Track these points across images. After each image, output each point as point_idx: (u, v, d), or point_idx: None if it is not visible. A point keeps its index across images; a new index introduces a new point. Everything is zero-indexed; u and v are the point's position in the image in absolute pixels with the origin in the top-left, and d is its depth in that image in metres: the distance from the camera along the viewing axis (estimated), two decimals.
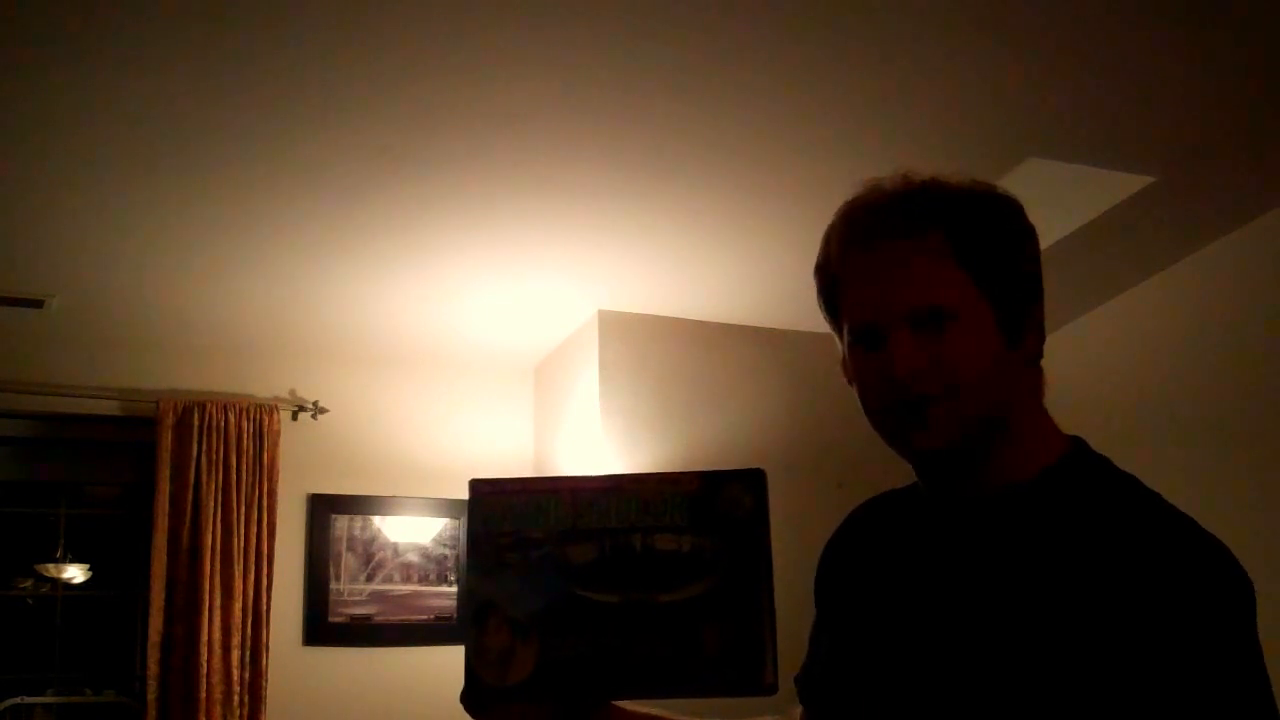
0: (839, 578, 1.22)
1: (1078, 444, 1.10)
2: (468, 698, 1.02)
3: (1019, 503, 1.05)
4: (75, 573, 4.91)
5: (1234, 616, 0.94)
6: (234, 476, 3.89)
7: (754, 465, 1.04)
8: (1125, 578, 0.94)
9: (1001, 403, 1.06)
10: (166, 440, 3.86)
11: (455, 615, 4.18)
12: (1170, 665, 0.91)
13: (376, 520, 4.17)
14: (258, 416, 3.98)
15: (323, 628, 4.05)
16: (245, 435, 3.93)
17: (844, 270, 1.09)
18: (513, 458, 4.33)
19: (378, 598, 4.13)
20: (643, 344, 3.91)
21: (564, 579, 1.02)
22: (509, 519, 1.05)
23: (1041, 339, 1.10)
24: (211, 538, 3.81)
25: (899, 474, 1.18)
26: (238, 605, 3.80)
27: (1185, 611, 0.92)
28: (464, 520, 4.27)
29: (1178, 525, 0.98)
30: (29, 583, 4.86)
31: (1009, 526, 1.05)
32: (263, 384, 4.14)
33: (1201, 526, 0.98)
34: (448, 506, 4.25)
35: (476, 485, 1.07)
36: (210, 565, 3.79)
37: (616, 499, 1.04)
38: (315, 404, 4.16)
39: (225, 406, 3.94)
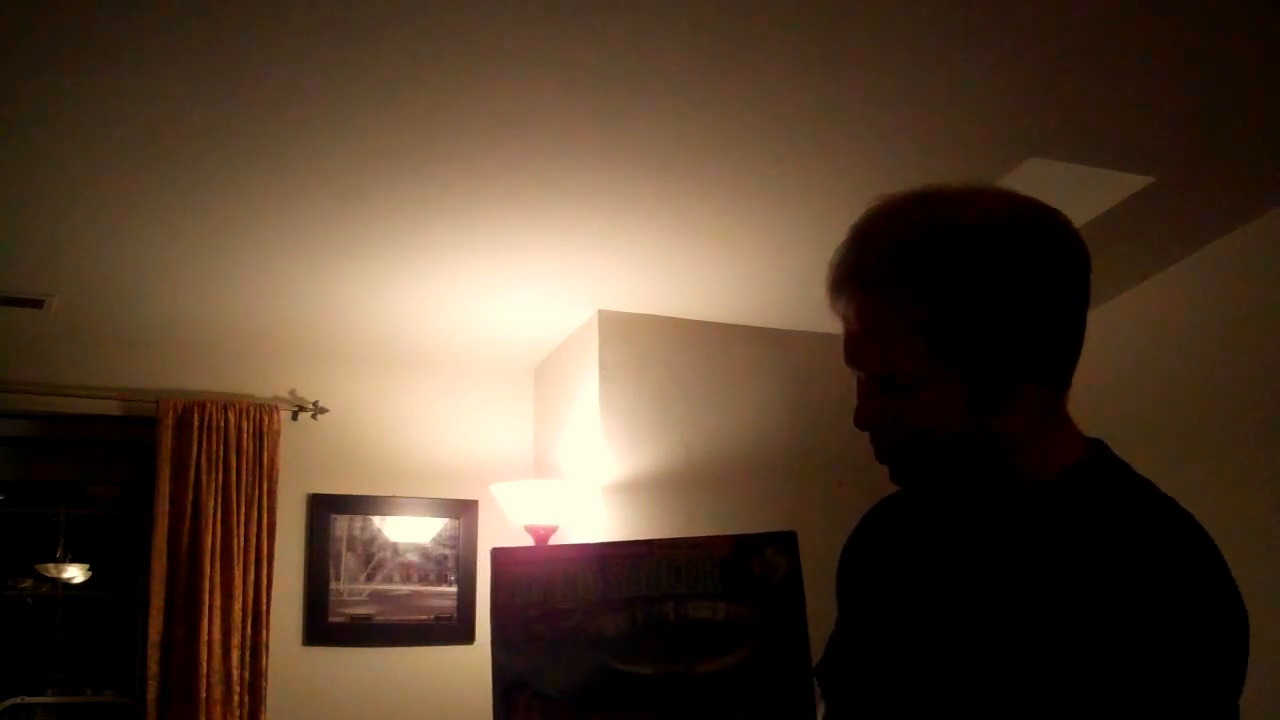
0: (863, 574, 1.22)
1: (1097, 448, 1.09)
2: None
3: (1033, 507, 1.05)
4: (75, 573, 4.92)
5: (1217, 648, 0.94)
6: (234, 476, 3.89)
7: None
8: (1119, 587, 0.95)
9: (972, 456, 1.04)
10: (166, 440, 3.86)
11: (455, 615, 4.18)
12: (1145, 685, 0.92)
13: (376, 520, 4.17)
14: (258, 416, 3.98)
15: (323, 628, 4.05)
16: (245, 435, 3.93)
17: (832, 309, 1.07)
18: (513, 458, 4.33)
19: (378, 598, 4.13)
20: (643, 344, 3.91)
21: (596, 651, 0.98)
22: (535, 590, 1.00)
23: (1040, 390, 1.02)
24: (211, 538, 3.81)
25: None
26: (238, 605, 3.80)
27: (1170, 634, 0.92)
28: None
29: (1178, 544, 0.98)
30: (29, 583, 4.86)
31: (1023, 529, 1.05)
32: (263, 384, 4.14)
33: (1211, 546, 0.98)
34: (448, 506, 4.25)
35: (499, 555, 1.03)
36: (210, 565, 3.79)
37: (646, 566, 1.00)
38: (315, 404, 4.16)
39: (225, 406, 3.94)
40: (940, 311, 0.98)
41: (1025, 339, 0.99)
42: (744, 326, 4.00)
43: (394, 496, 4.20)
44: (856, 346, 1.03)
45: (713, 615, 0.99)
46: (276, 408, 4.04)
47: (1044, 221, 1.02)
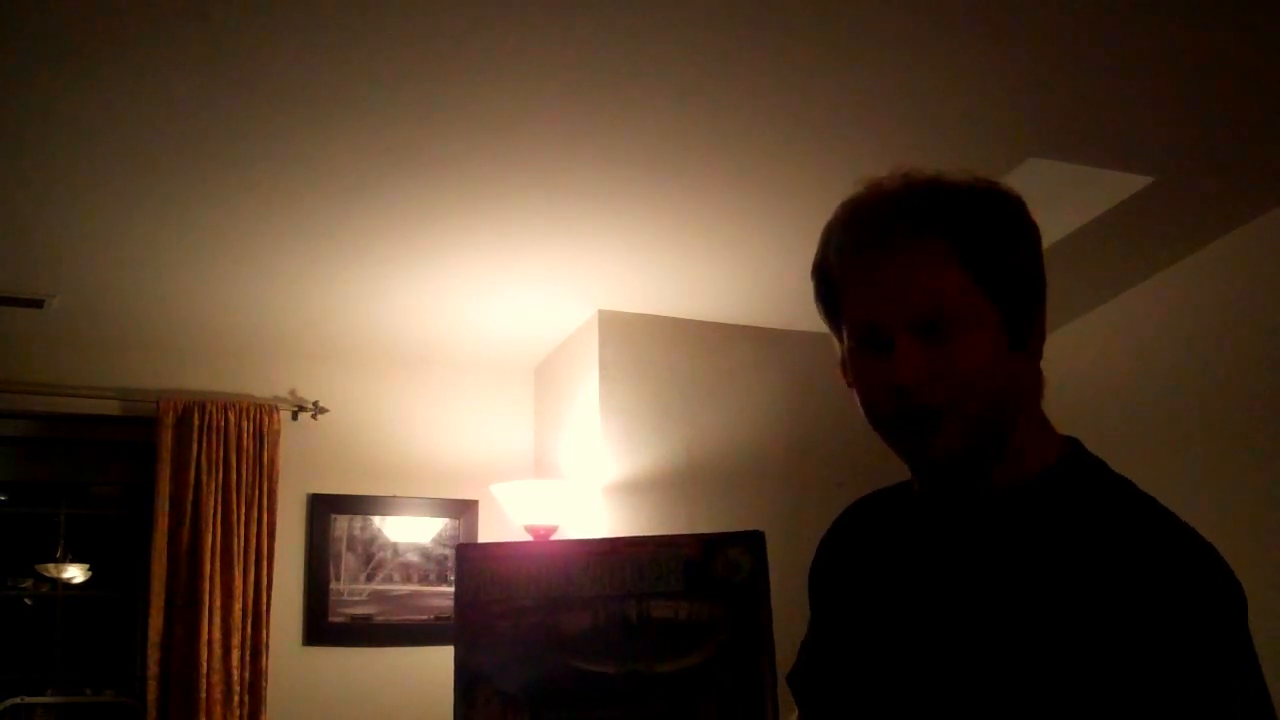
0: (834, 577, 1.22)
1: (1074, 446, 1.10)
2: None
3: (1015, 506, 1.05)
4: (75, 573, 4.91)
5: (1225, 623, 0.93)
6: (234, 476, 3.89)
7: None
8: (1118, 585, 0.94)
9: (1007, 405, 1.04)
10: (166, 440, 3.86)
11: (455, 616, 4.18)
12: (1164, 673, 0.91)
13: (376, 520, 4.17)
14: (258, 416, 3.98)
15: (323, 628, 4.05)
16: (245, 435, 3.94)
17: (844, 276, 1.07)
18: (513, 458, 4.33)
19: (378, 598, 4.13)
20: (643, 344, 3.91)
21: (557, 649, 0.98)
22: (498, 586, 1.01)
23: (1043, 338, 1.08)
24: (211, 538, 3.81)
25: (897, 474, 1.17)
26: (238, 605, 3.80)
27: (1177, 620, 0.92)
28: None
29: (1171, 533, 0.98)
30: (29, 583, 4.85)
31: (1006, 530, 1.04)
32: (263, 384, 4.14)
33: (1195, 532, 0.98)
34: (448, 506, 4.25)
35: (464, 550, 1.03)
36: (210, 565, 3.79)
37: (611, 564, 0.99)
38: (315, 404, 4.16)
39: (225, 406, 3.94)
40: (977, 244, 1.03)
41: (1037, 271, 1.08)
42: (744, 326, 4.00)
43: (394, 496, 4.20)
44: (898, 294, 1.02)
45: (675, 615, 0.98)
46: (276, 408, 4.04)
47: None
